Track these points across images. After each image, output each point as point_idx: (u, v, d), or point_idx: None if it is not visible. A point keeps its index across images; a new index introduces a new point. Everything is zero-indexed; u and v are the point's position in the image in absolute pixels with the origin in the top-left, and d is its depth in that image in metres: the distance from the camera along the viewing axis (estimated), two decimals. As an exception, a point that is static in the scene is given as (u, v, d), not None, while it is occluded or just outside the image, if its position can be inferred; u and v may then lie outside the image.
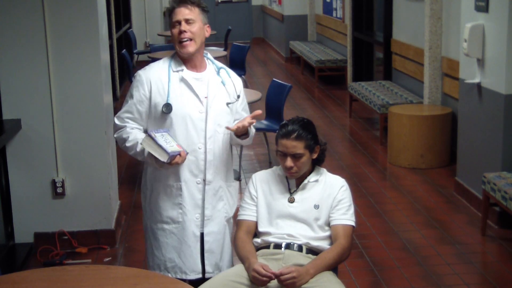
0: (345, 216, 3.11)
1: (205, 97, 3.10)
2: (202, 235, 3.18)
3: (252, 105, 8.88)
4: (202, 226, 3.17)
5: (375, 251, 4.67)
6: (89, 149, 4.66)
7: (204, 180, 3.15)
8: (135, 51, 11.86)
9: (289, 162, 3.08)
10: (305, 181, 3.16)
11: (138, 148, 3.03)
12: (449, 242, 4.80)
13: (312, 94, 10.21)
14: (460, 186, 5.64)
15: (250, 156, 7.02)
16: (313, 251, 3.08)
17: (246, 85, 9.58)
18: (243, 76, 9.73)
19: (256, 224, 3.17)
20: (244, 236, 3.15)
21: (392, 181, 6.16)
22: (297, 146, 3.07)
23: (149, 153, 2.98)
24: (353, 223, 3.13)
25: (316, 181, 3.17)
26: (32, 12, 4.44)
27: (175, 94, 3.07)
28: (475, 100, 5.34)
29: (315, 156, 3.17)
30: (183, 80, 3.09)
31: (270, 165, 6.65)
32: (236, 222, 3.28)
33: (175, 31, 3.04)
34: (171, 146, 2.96)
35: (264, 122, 6.48)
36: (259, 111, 3.10)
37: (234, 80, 3.24)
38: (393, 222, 5.16)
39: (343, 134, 7.84)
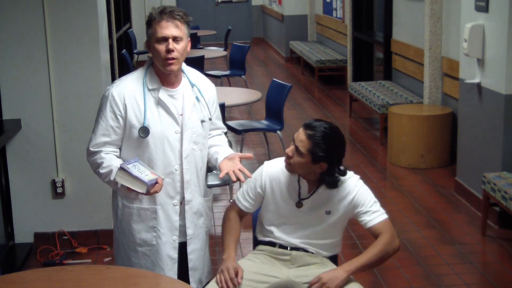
0: (375, 214, 2.99)
1: (180, 115, 2.95)
2: (183, 255, 3.09)
3: (252, 105, 8.92)
4: (182, 247, 3.07)
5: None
6: (89, 149, 4.65)
7: (182, 202, 3.02)
8: (135, 51, 11.86)
9: (290, 150, 2.93)
10: (318, 190, 2.98)
11: (112, 177, 2.85)
12: (449, 242, 4.80)
13: (312, 94, 10.22)
14: (460, 186, 5.64)
15: (250, 156, 7.00)
16: (319, 252, 3.05)
17: (246, 85, 9.59)
18: (243, 76, 9.74)
19: (246, 214, 3.11)
20: (234, 218, 3.08)
21: (392, 181, 6.16)
22: (303, 143, 2.89)
23: (122, 185, 2.81)
24: (385, 216, 3.01)
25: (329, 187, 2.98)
26: (32, 12, 4.44)
27: (151, 116, 2.90)
28: (475, 100, 5.34)
29: (318, 170, 2.92)
30: (159, 100, 2.91)
31: (270, 165, 6.64)
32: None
33: (161, 48, 2.83)
34: (146, 175, 2.80)
35: (264, 122, 6.48)
36: (250, 155, 3.05)
37: (206, 97, 3.06)
38: (393, 222, 5.09)
39: (343, 134, 7.83)
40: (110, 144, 2.94)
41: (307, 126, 2.93)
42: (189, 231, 3.07)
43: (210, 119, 3.07)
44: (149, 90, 2.93)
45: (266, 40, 16.27)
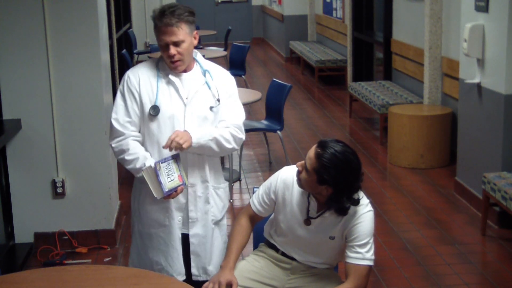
0: (358, 255, 2.82)
1: (186, 98, 3.04)
2: (186, 237, 3.15)
3: (252, 105, 8.92)
4: (187, 228, 3.14)
5: (375, 251, 4.65)
6: (89, 149, 4.66)
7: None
8: (135, 51, 11.86)
9: (300, 164, 2.82)
10: (325, 213, 2.86)
11: (138, 165, 2.98)
12: (449, 242, 4.80)
13: (312, 94, 10.22)
14: (460, 186, 5.64)
15: (250, 156, 7.02)
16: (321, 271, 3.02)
17: (246, 85, 9.59)
18: (243, 76, 9.74)
19: (260, 218, 3.09)
20: (245, 223, 3.05)
21: (392, 181, 6.16)
22: (311, 161, 2.74)
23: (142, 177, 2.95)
24: (367, 263, 2.84)
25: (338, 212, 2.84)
26: (32, 12, 4.44)
27: (163, 97, 3.02)
28: (475, 100, 5.34)
29: (324, 192, 2.77)
30: (170, 82, 3.04)
31: (270, 165, 6.66)
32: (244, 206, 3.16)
33: (164, 53, 2.96)
34: (171, 180, 2.91)
35: (264, 122, 6.48)
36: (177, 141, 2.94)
37: (217, 83, 3.11)
38: (393, 222, 5.16)
39: (343, 134, 7.84)
40: (132, 124, 3.03)
41: (319, 144, 2.75)
42: (192, 214, 3.13)
43: (218, 100, 3.08)
44: (161, 73, 3.05)
45: (266, 40, 16.27)
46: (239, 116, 3.16)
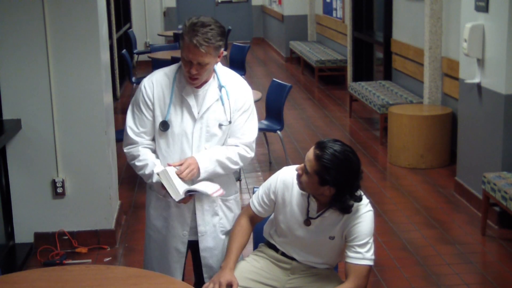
0: (358, 255, 2.82)
1: (198, 113, 2.97)
2: (195, 250, 3.14)
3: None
4: (195, 236, 3.11)
5: (375, 251, 4.64)
6: (89, 149, 4.66)
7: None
8: (135, 51, 11.85)
9: (299, 167, 2.82)
10: (326, 212, 2.87)
11: (147, 171, 2.95)
12: (449, 242, 4.80)
13: (312, 94, 10.22)
14: (460, 186, 5.64)
15: (250, 156, 7.01)
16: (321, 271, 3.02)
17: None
18: (243, 76, 9.74)
19: (260, 218, 3.08)
20: (244, 223, 3.04)
21: (392, 181, 6.16)
22: (311, 163, 2.74)
23: (158, 181, 2.88)
24: (367, 262, 2.83)
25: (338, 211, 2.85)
26: (32, 12, 4.44)
27: (174, 112, 2.97)
28: (475, 100, 5.34)
29: (327, 192, 2.77)
30: (183, 97, 2.96)
31: (270, 165, 6.66)
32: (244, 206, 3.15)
33: (186, 67, 2.87)
34: (185, 183, 2.85)
35: (264, 122, 6.48)
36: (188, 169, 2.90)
37: (232, 101, 3.00)
38: (393, 222, 5.16)
39: (343, 134, 7.84)
40: (147, 134, 3.01)
41: (318, 145, 2.75)
42: (201, 228, 3.09)
43: (230, 122, 3.00)
44: (177, 86, 2.98)
45: (266, 40, 16.27)
46: (251, 133, 3.07)
